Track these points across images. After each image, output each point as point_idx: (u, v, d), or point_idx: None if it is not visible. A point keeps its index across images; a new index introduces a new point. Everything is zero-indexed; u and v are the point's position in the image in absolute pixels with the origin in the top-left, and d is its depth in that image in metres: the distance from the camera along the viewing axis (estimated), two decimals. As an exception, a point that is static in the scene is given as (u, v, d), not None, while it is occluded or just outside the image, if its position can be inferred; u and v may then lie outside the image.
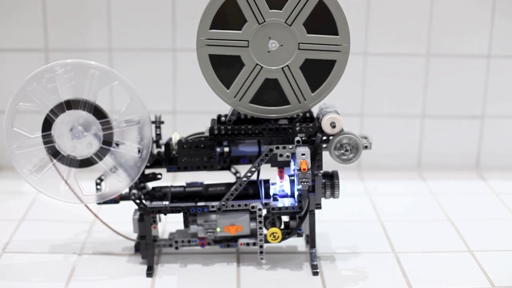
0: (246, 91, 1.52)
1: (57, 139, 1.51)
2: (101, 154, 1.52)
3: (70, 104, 1.49)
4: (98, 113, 1.50)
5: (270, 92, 1.52)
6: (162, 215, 1.77)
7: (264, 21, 1.46)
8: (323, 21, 1.47)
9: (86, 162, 1.53)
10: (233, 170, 1.67)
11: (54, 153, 1.52)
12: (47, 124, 1.50)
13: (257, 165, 1.56)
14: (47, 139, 1.50)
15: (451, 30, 2.16)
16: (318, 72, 1.51)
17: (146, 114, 1.51)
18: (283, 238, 1.60)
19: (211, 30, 1.46)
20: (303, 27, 1.47)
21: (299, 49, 1.49)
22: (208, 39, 1.47)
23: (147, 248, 1.60)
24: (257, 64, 1.49)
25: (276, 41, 1.48)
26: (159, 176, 1.61)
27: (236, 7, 1.45)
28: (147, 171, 1.61)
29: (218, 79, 1.51)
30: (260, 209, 1.57)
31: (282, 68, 1.50)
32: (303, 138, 1.55)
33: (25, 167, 1.52)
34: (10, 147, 1.51)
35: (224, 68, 1.50)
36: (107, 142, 1.51)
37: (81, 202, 1.56)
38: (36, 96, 1.48)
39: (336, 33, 1.48)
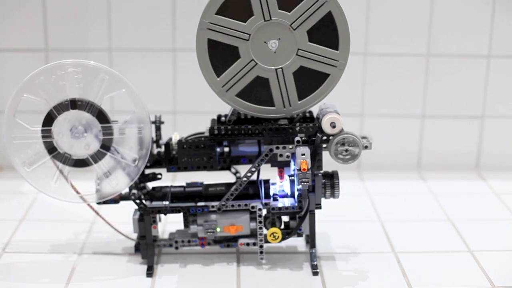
0: (235, 83, 1.51)
1: (56, 135, 1.51)
2: (97, 157, 1.52)
3: (75, 104, 1.49)
4: (101, 117, 1.50)
5: (258, 90, 1.52)
6: (162, 215, 1.77)
7: (270, 19, 1.46)
8: (327, 33, 1.47)
9: (81, 163, 1.53)
10: (233, 170, 1.67)
11: (51, 149, 1.52)
12: (49, 120, 1.50)
13: (257, 165, 1.56)
14: (46, 134, 1.50)
15: (451, 30, 2.16)
16: (309, 82, 1.51)
17: (146, 115, 1.51)
18: (283, 238, 1.60)
19: (217, 15, 1.46)
20: (306, 34, 1.47)
21: (297, 54, 1.49)
22: (211, 23, 1.46)
23: (147, 248, 1.60)
24: (252, 59, 1.49)
25: (277, 42, 1.48)
26: (159, 176, 1.61)
27: None
28: (147, 171, 1.61)
29: (211, 65, 1.50)
30: (260, 209, 1.57)
31: (276, 69, 1.50)
32: (303, 138, 1.55)
33: (18, 157, 1.52)
34: (8, 136, 1.51)
35: (220, 55, 1.49)
36: (106, 146, 1.52)
37: (84, 201, 1.57)
38: (42, 90, 1.48)
39: (336, 48, 1.48)
